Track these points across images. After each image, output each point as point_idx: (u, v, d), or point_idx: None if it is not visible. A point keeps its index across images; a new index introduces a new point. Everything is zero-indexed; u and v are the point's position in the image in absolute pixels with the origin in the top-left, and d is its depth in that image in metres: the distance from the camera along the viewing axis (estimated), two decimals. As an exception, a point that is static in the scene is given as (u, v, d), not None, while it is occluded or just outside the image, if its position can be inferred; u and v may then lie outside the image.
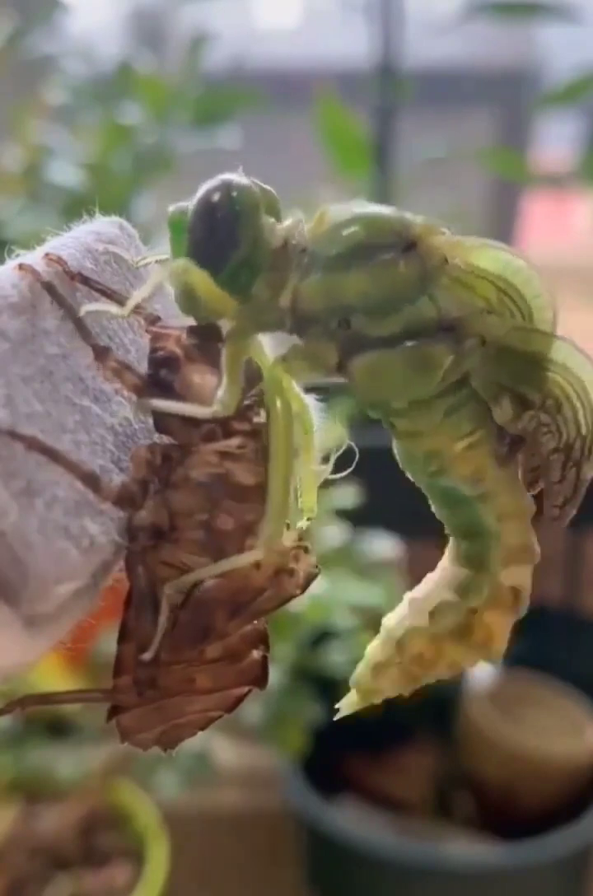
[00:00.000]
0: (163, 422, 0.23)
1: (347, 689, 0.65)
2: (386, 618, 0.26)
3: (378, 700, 0.26)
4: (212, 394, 0.22)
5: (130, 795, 0.73)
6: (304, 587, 0.24)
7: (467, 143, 1.03)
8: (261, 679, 0.25)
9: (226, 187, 0.23)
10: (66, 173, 0.56)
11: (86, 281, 0.23)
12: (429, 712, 0.82)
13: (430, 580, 0.26)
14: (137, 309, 0.24)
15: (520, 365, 0.24)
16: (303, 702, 0.58)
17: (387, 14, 0.99)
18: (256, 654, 0.24)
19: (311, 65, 1.18)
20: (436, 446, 0.24)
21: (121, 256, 0.25)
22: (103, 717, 0.25)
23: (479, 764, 0.79)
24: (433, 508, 0.26)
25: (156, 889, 0.67)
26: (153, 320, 0.23)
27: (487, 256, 0.24)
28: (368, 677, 0.26)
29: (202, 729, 0.25)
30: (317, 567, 0.24)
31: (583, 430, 0.25)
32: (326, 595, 0.57)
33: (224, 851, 0.81)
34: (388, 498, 0.78)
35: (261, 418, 0.23)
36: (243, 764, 0.83)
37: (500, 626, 0.26)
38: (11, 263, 0.23)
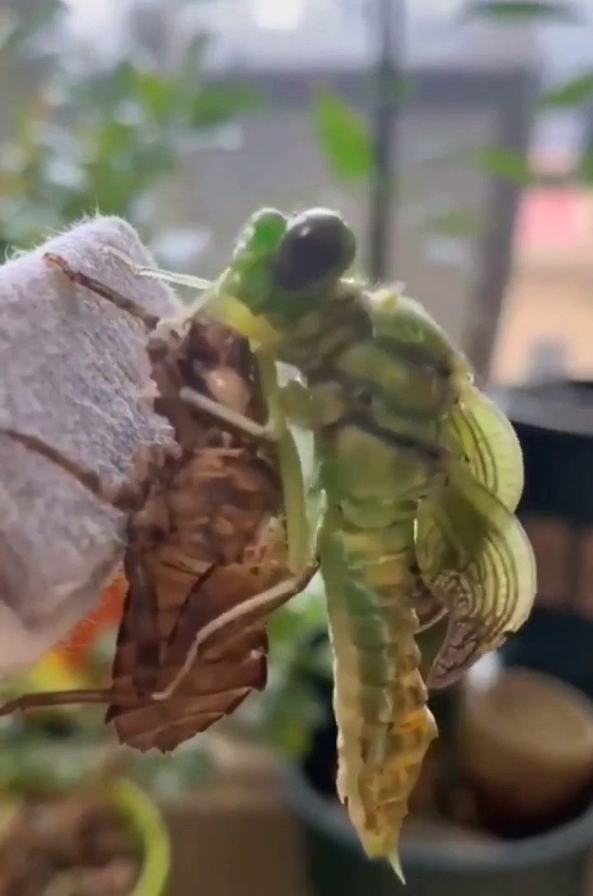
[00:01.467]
0: (176, 418, 0.23)
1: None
2: (339, 787, 0.28)
3: (396, 837, 0.28)
4: (234, 402, 0.23)
5: (130, 795, 0.73)
6: (303, 586, 0.24)
7: (467, 144, 1.02)
8: (259, 680, 0.25)
9: (337, 227, 0.23)
10: (65, 173, 0.56)
11: (85, 281, 0.23)
12: (431, 710, 0.82)
13: (337, 712, 0.27)
14: (137, 310, 0.24)
15: (465, 520, 0.25)
16: (302, 702, 0.58)
17: (387, 14, 0.99)
18: (255, 654, 0.24)
19: (311, 65, 1.18)
20: (368, 548, 0.25)
21: (120, 257, 0.25)
22: (103, 717, 0.25)
23: (479, 764, 0.79)
24: (329, 609, 0.26)
25: (156, 889, 0.67)
26: (153, 322, 0.23)
27: (484, 413, 0.26)
28: (372, 838, 0.28)
29: (201, 730, 0.25)
30: (315, 563, 0.24)
31: (498, 612, 0.26)
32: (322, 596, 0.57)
33: (224, 851, 0.81)
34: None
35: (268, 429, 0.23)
36: (243, 764, 0.83)
37: (417, 720, 0.27)
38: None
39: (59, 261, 0.23)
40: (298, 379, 0.25)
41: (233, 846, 0.82)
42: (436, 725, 0.27)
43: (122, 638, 0.23)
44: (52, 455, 0.21)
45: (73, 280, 0.23)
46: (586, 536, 0.94)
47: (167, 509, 0.23)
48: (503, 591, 0.26)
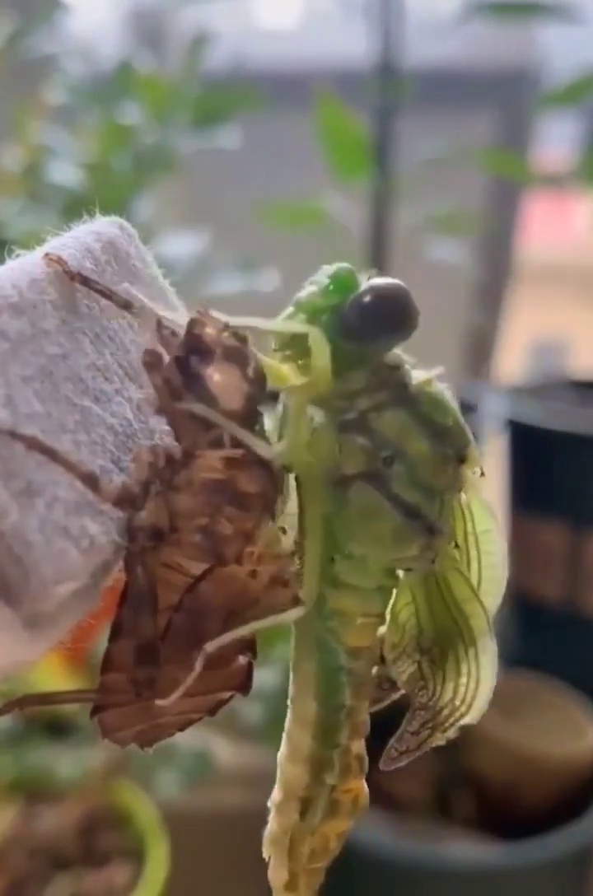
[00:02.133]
0: (175, 420, 0.23)
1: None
2: (265, 843, 0.28)
3: None
4: (232, 396, 0.23)
5: (130, 795, 0.73)
6: (297, 601, 0.24)
7: (467, 144, 1.02)
8: (245, 685, 0.25)
9: (408, 301, 0.25)
10: (66, 173, 0.56)
11: (85, 281, 0.23)
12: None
13: (281, 767, 0.27)
14: (136, 310, 0.24)
15: (440, 605, 0.26)
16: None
17: (387, 14, 0.99)
18: (242, 659, 0.25)
19: (311, 65, 1.18)
20: (349, 607, 0.26)
21: (120, 257, 0.25)
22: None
23: (480, 763, 0.79)
24: (295, 660, 0.27)
25: (156, 889, 0.67)
26: (160, 329, 0.23)
27: (480, 509, 0.27)
28: None
29: (180, 730, 0.25)
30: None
31: (458, 702, 0.26)
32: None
33: (224, 852, 0.81)
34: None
35: (259, 425, 0.24)
36: (243, 764, 0.83)
37: (358, 788, 0.28)
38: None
39: (59, 261, 0.23)
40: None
41: (234, 846, 0.81)
42: (367, 799, 0.28)
43: (115, 635, 0.23)
44: (51, 455, 0.21)
45: (73, 280, 0.23)
46: (586, 536, 0.94)
47: (167, 510, 0.23)
48: (463, 682, 0.26)
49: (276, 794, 0.28)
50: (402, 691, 0.27)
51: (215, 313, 0.23)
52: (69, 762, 0.65)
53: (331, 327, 0.24)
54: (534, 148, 1.26)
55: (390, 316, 0.24)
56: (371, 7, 0.96)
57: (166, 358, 0.23)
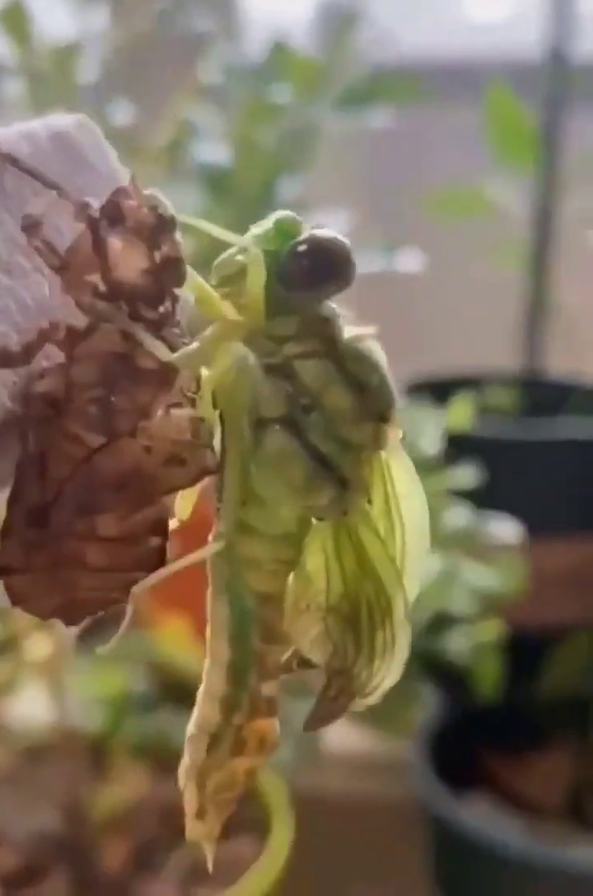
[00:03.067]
0: (78, 289, 0.23)
1: (468, 677, 0.64)
2: (179, 775, 0.28)
3: (218, 830, 0.28)
4: (128, 270, 0.23)
5: (260, 772, 0.73)
6: (197, 478, 0.24)
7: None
8: (157, 567, 0.25)
9: (347, 254, 0.25)
10: (210, 150, 0.57)
11: (14, 162, 0.23)
12: (567, 714, 0.80)
13: (198, 701, 0.28)
14: (67, 194, 0.24)
15: (350, 560, 0.26)
16: (414, 685, 0.58)
17: (560, 5, 0.97)
18: (154, 541, 0.24)
19: (483, 55, 1.17)
20: (257, 553, 0.26)
21: (72, 148, 0.25)
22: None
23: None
24: (211, 604, 0.27)
25: (277, 864, 0.67)
26: (83, 207, 0.23)
27: (400, 471, 0.27)
28: (198, 827, 0.28)
29: (104, 609, 0.25)
30: (211, 463, 0.24)
31: (375, 666, 0.27)
32: (445, 577, 0.56)
33: (349, 837, 0.81)
34: (512, 487, 0.77)
35: (165, 308, 0.24)
36: (374, 752, 0.83)
37: (265, 728, 0.27)
38: None
39: None
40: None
41: (360, 833, 0.82)
42: (278, 739, 0.28)
43: (13, 501, 0.24)
44: None
45: (3, 161, 0.23)
46: None
47: (64, 379, 0.23)
48: (379, 645, 0.26)
49: (190, 728, 0.28)
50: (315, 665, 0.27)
51: (151, 192, 0.23)
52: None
53: (268, 271, 0.25)
54: None
55: (325, 267, 0.25)
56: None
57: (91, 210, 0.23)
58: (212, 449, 0.25)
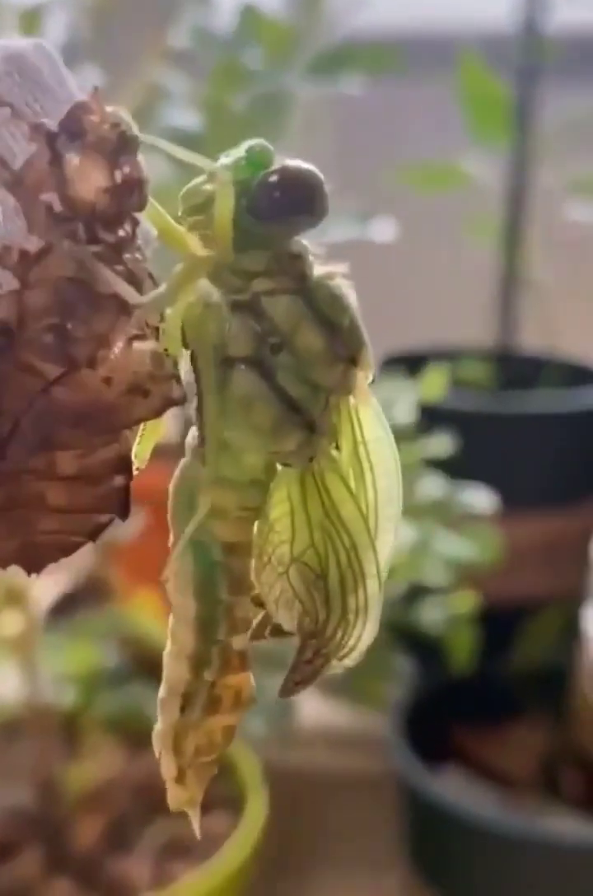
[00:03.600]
0: (32, 209, 0.22)
1: (442, 649, 0.64)
2: (154, 740, 0.28)
3: (201, 795, 0.28)
4: (86, 188, 0.22)
5: (233, 746, 0.73)
6: (160, 410, 0.23)
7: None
8: (120, 508, 0.24)
9: (319, 186, 0.24)
10: (179, 115, 0.56)
11: None
12: (540, 686, 0.80)
13: (166, 662, 0.27)
14: (21, 113, 0.23)
15: (316, 507, 0.26)
16: (388, 656, 0.57)
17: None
18: (118, 480, 0.23)
19: (455, 27, 1.17)
20: (222, 501, 0.26)
21: (28, 71, 0.24)
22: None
23: (589, 740, 0.77)
24: (176, 557, 0.26)
25: (251, 839, 0.67)
26: (38, 126, 0.22)
27: (369, 416, 0.26)
28: (179, 793, 0.28)
29: (66, 554, 0.24)
30: (177, 394, 0.23)
31: (350, 625, 0.26)
32: (419, 548, 0.56)
33: (324, 812, 0.81)
34: (485, 460, 0.77)
35: (126, 231, 0.23)
36: (348, 726, 0.83)
37: (239, 682, 0.27)
38: None
39: None
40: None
41: (333, 807, 0.81)
42: (255, 691, 0.27)
43: None
44: None
45: None
46: None
47: (17, 306, 0.22)
48: (351, 603, 0.26)
49: (161, 691, 0.27)
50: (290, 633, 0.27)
51: (113, 109, 0.22)
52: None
53: (237, 202, 0.24)
54: None
55: (296, 199, 0.24)
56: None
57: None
58: (178, 380, 0.24)
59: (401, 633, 0.63)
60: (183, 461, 0.26)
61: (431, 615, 0.62)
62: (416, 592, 0.63)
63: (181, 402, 0.24)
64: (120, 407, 0.22)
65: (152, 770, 0.72)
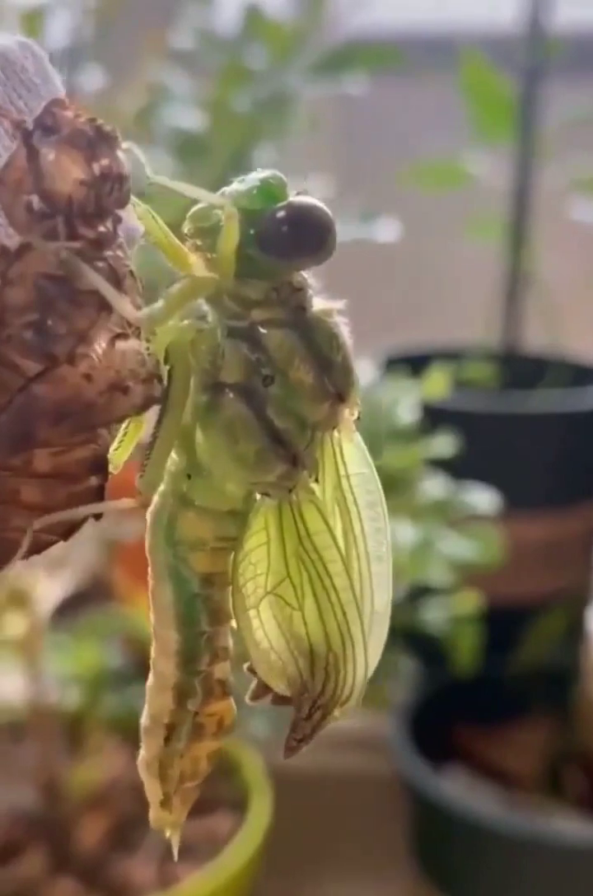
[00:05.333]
0: (12, 206, 0.22)
1: (445, 649, 0.64)
2: (139, 767, 0.28)
3: (184, 818, 0.28)
4: (62, 180, 0.21)
5: (237, 747, 0.73)
6: (141, 408, 0.23)
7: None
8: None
9: (330, 227, 0.24)
10: (182, 115, 0.56)
11: None
12: (544, 686, 0.80)
13: (149, 693, 0.27)
14: (4, 112, 0.23)
15: (292, 540, 0.26)
16: (391, 657, 0.57)
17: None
18: (94, 481, 0.23)
19: (459, 27, 1.17)
20: (200, 531, 0.26)
21: (12, 68, 0.24)
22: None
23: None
24: (153, 590, 0.26)
25: (256, 840, 0.67)
26: (19, 124, 0.22)
27: (352, 450, 0.27)
28: (164, 816, 0.28)
29: (37, 552, 0.24)
30: (157, 393, 0.23)
31: (341, 671, 0.26)
32: (422, 548, 0.56)
33: (327, 813, 0.81)
34: (489, 460, 0.76)
35: (106, 228, 0.23)
36: (352, 727, 0.82)
37: (222, 710, 0.27)
38: None
39: None
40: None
41: (338, 808, 0.81)
42: (235, 719, 0.28)
43: None
44: None
45: None
46: None
47: None
48: (336, 642, 0.26)
49: (144, 721, 0.28)
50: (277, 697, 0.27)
51: (87, 108, 0.22)
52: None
53: (243, 230, 0.24)
54: None
55: (304, 238, 0.24)
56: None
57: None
58: (160, 379, 0.24)
59: (405, 633, 0.63)
60: (161, 489, 0.26)
61: (434, 615, 0.62)
62: (419, 593, 0.63)
63: (161, 400, 0.24)
64: (100, 404, 0.22)
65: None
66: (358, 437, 0.27)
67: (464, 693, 0.80)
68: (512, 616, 0.83)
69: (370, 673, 0.27)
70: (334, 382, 0.25)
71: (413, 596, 0.61)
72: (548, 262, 1.01)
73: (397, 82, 0.97)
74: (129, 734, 0.73)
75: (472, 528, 0.62)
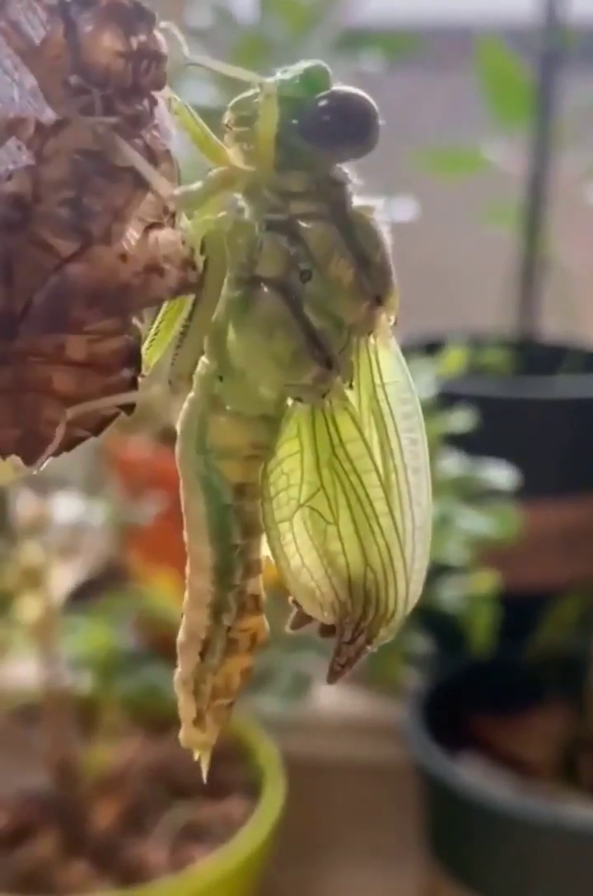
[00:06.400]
0: (49, 81, 0.21)
1: (461, 631, 0.63)
2: (175, 684, 0.28)
3: (215, 739, 0.28)
4: (98, 54, 0.21)
5: (252, 732, 0.73)
6: (176, 291, 0.23)
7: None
8: (129, 404, 0.23)
9: (374, 118, 0.24)
10: (199, 90, 0.56)
11: None
12: (559, 673, 0.80)
13: (185, 609, 0.27)
14: None
15: (325, 448, 0.25)
16: (404, 634, 0.57)
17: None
18: (126, 373, 0.23)
19: (475, 15, 1.16)
20: (232, 438, 0.25)
21: None
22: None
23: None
24: (186, 505, 0.26)
25: (269, 824, 0.67)
26: (52, 8, 0.22)
27: (388, 357, 0.26)
28: (196, 735, 0.28)
29: (68, 448, 0.23)
30: (193, 278, 0.23)
31: (382, 592, 0.25)
32: (439, 525, 0.55)
33: (341, 799, 0.81)
34: (505, 446, 0.76)
35: (143, 106, 0.22)
36: (366, 714, 0.82)
37: (255, 625, 0.27)
38: None
39: None
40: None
41: (353, 795, 0.81)
42: (268, 632, 0.27)
43: None
44: None
45: None
46: None
47: (32, 179, 0.21)
48: (376, 562, 0.25)
49: (181, 638, 0.27)
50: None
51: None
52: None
53: (285, 119, 0.23)
54: None
55: (345, 126, 0.23)
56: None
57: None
58: (195, 266, 0.23)
59: (420, 613, 0.63)
60: (190, 396, 0.25)
61: (451, 594, 0.61)
62: (436, 571, 0.62)
63: (196, 286, 0.23)
64: (135, 285, 0.22)
65: (170, 754, 0.72)
66: (394, 343, 0.26)
67: (479, 679, 0.80)
68: (526, 602, 0.82)
69: (414, 594, 0.26)
70: (373, 282, 0.24)
71: (430, 574, 0.61)
72: (564, 249, 1.00)
73: (415, 70, 0.97)
74: (142, 716, 0.73)
75: (489, 504, 0.62)
